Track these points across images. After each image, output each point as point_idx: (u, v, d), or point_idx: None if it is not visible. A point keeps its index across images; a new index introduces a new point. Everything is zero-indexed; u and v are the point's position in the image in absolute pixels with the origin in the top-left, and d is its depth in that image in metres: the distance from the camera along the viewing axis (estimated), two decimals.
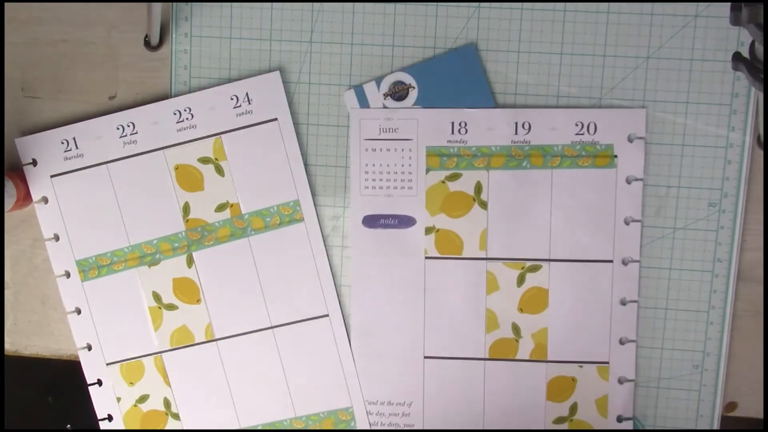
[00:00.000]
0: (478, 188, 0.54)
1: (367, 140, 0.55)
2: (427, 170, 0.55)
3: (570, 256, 0.54)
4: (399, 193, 0.55)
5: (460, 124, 0.54)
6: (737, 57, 0.46)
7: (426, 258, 0.55)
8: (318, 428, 0.57)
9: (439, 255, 0.55)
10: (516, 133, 0.54)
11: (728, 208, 0.54)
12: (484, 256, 0.55)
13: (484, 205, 0.54)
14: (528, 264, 0.55)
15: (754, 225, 0.54)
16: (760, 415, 0.55)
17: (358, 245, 0.55)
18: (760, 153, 0.53)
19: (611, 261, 0.54)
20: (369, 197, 0.55)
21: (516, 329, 0.55)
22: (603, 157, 0.54)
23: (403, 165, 0.55)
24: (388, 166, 0.55)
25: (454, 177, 0.55)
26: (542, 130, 0.54)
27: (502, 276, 0.55)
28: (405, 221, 0.55)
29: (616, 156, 0.54)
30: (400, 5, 0.54)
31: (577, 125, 0.54)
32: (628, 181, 0.54)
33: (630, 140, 0.53)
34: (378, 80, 0.55)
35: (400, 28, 0.54)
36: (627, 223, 0.54)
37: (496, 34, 0.54)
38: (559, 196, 0.54)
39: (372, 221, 0.55)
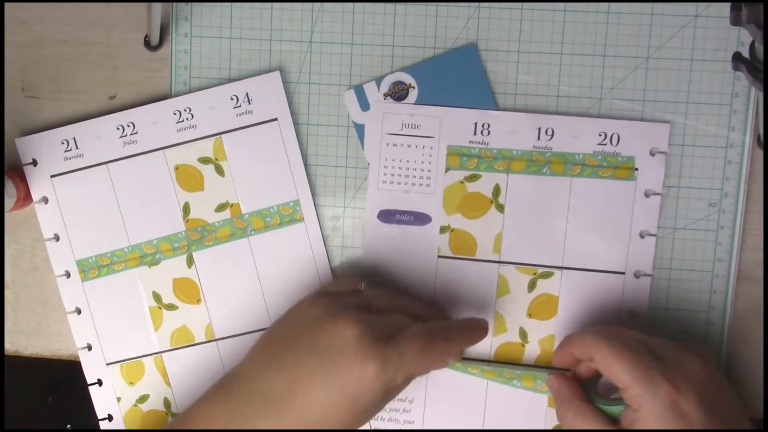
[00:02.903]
0: (497, 191, 0.54)
1: (389, 134, 0.54)
2: (447, 169, 0.55)
3: (583, 266, 0.54)
4: (416, 189, 0.55)
5: (483, 126, 0.54)
6: (737, 57, 0.46)
7: (439, 257, 0.55)
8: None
9: (452, 255, 0.55)
10: (538, 139, 0.54)
11: (728, 208, 0.54)
12: (497, 259, 0.55)
13: (501, 208, 0.54)
14: (540, 270, 0.54)
15: (754, 225, 0.54)
16: (761, 415, 0.55)
17: (371, 239, 0.55)
18: (760, 153, 0.53)
19: (623, 273, 0.54)
20: (386, 192, 0.55)
21: (523, 334, 0.55)
22: (624, 168, 0.53)
23: (423, 162, 0.55)
24: (407, 162, 0.55)
25: (473, 178, 0.54)
26: (565, 138, 0.54)
27: (513, 280, 0.55)
28: (421, 218, 0.55)
29: (636, 169, 0.53)
30: (400, 5, 0.54)
31: (600, 135, 0.53)
32: (647, 195, 0.53)
33: (652, 154, 0.53)
34: (378, 80, 0.55)
35: (400, 28, 0.54)
36: (642, 236, 0.54)
37: (496, 34, 0.54)
38: (576, 205, 0.54)
39: (387, 216, 0.55)
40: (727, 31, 0.53)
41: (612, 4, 0.53)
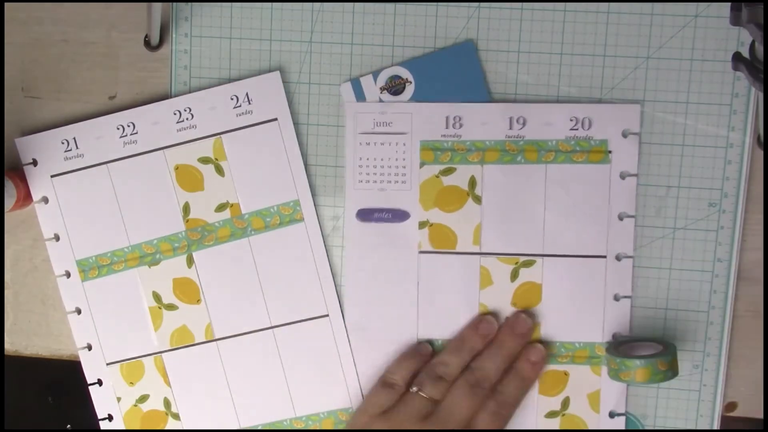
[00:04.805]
0: (472, 183, 0.54)
1: (362, 134, 0.55)
2: (421, 164, 0.55)
3: (564, 252, 0.54)
4: (393, 187, 0.55)
5: (454, 119, 0.54)
6: (737, 57, 0.46)
7: (420, 252, 0.55)
8: (318, 428, 0.57)
9: (432, 249, 0.55)
10: (510, 128, 0.54)
11: (728, 208, 0.54)
12: (477, 251, 0.55)
13: (478, 199, 0.54)
14: (522, 259, 0.55)
15: (754, 225, 0.54)
16: (760, 415, 0.55)
17: (352, 239, 0.55)
18: (760, 153, 0.53)
19: (605, 257, 0.54)
20: (363, 191, 0.55)
21: None
22: (597, 152, 0.54)
23: (397, 159, 0.55)
24: (382, 160, 0.55)
25: (448, 171, 0.55)
26: (537, 125, 0.54)
27: (495, 271, 0.55)
28: (399, 215, 0.55)
29: (610, 151, 0.54)
30: (400, 5, 0.54)
31: (571, 120, 0.54)
32: (622, 177, 0.54)
33: (624, 136, 0.53)
34: (375, 74, 0.55)
35: (400, 28, 0.54)
36: (621, 218, 0.54)
37: (496, 34, 0.54)
38: (553, 192, 0.54)
39: (366, 215, 0.55)
40: (727, 31, 0.53)
41: (612, 4, 0.53)
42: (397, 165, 0.55)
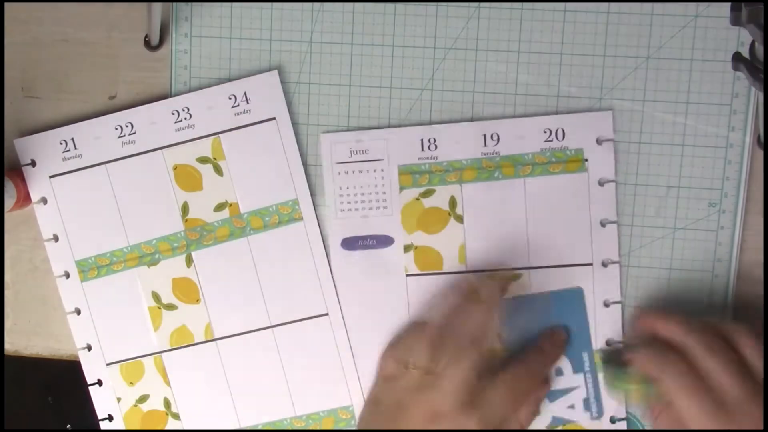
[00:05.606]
0: (453, 202, 0.54)
1: (339, 164, 0.55)
2: (401, 189, 0.55)
3: (549, 263, 0.54)
4: (375, 213, 0.55)
5: (429, 141, 0.54)
6: (737, 57, 0.46)
7: (407, 276, 0.55)
8: (318, 427, 0.57)
9: (419, 272, 0.55)
10: (485, 145, 0.54)
11: (728, 208, 0.54)
12: (464, 270, 0.55)
13: (459, 219, 0.55)
14: (509, 273, 0.55)
15: (754, 225, 0.54)
16: None
17: (338, 268, 0.55)
18: (760, 153, 0.53)
19: (591, 264, 0.54)
20: (345, 220, 0.55)
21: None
22: (573, 161, 0.54)
23: (376, 185, 0.55)
24: (361, 187, 0.55)
25: (427, 193, 0.55)
26: (511, 140, 0.54)
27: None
28: (383, 241, 0.55)
29: (586, 160, 0.54)
30: (400, 5, 0.54)
31: (545, 132, 0.54)
32: (601, 184, 0.54)
33: (599, 143, 0.53)
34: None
35: (400, 28, 0.54)
36: (603, 225, 0.54)
37: (496, 34, 0.54)
38: (533, 204, 0.54)
39: (351, 243, 0.55)
40: (727, 31, 0.53)
41: (612, 4, 0.53)
42: (377, 191, 0.55)
